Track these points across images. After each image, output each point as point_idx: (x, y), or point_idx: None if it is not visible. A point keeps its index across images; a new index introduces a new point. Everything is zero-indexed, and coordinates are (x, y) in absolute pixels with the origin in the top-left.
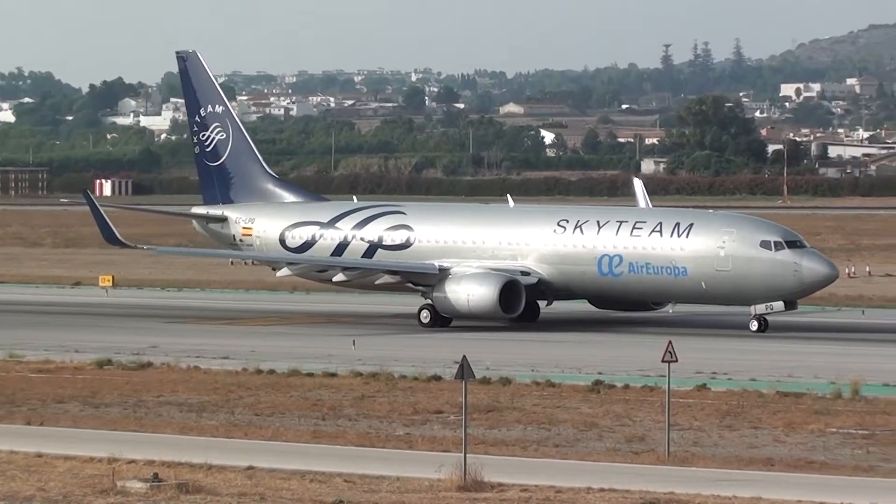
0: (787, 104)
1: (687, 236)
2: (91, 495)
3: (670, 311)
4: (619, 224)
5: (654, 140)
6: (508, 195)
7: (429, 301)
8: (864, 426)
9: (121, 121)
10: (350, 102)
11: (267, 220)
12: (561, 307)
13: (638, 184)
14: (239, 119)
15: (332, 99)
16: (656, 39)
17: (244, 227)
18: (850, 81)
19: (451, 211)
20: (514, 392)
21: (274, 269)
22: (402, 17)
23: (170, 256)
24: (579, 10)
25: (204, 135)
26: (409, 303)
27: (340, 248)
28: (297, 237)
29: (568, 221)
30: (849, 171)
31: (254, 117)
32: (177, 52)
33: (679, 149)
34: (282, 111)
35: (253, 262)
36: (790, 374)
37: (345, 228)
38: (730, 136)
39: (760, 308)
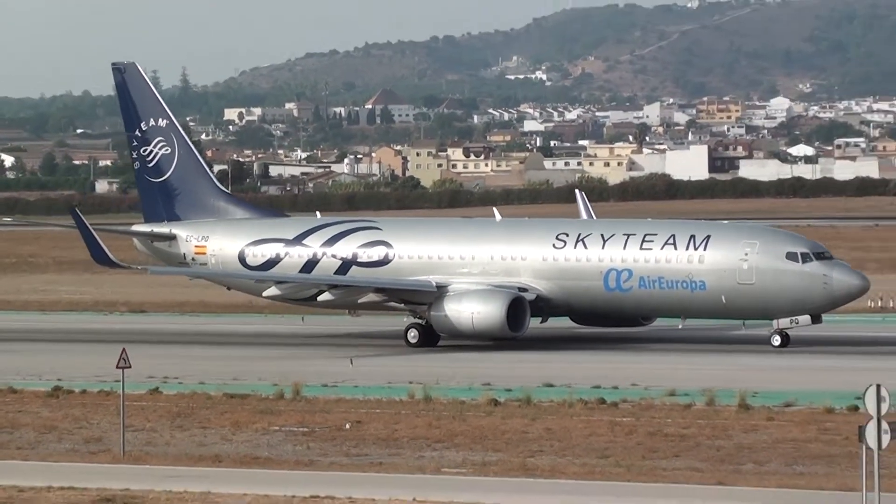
0: (231, 127)
1: (705, 249)
2: None
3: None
4: (626, 237)
5: (108, 162)
6: (495, 209)
7: (418, 320)
8: (305, 424)
9: None
10: None
11: (223, 238)
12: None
13: (580, 196)
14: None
15: None
16: (109, 67)
17: (197, 245)
18: (288, 106)
19: (432, 226)
20: None
21: (229, 289)
22: None
23: None
24: (35, 38)
25: (145, 150)
26: None
27: (309, 265)
28: (258, 255)
29: (568, 235)
30: (288, 188)
31: None
32: (113, 64)
33: (130, 170)
34: None
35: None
36: (236, 377)
37: (313, 245)
38: None
39: (784, 322)
